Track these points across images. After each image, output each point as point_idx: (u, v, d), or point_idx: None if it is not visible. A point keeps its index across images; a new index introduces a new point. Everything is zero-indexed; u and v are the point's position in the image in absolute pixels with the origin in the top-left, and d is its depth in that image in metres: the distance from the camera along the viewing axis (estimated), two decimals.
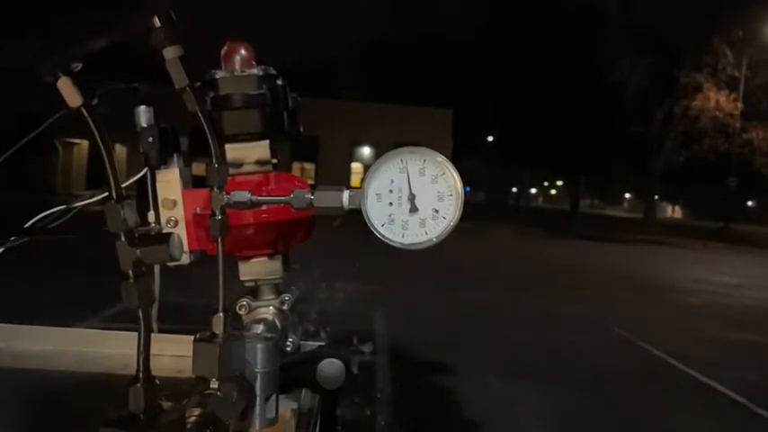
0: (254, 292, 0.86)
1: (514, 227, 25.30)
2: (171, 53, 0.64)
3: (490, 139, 41.19)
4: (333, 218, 0.73)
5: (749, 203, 55.10)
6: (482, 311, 7.53)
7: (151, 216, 0.83)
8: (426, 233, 0.66)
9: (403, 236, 0.66)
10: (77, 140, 27.22)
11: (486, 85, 34.63)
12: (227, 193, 0.67)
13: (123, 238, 0.49)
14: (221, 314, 0.63)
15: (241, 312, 0.83)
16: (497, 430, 4.11)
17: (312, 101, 23.95)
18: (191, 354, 0.61)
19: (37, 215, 0.80)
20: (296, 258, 0.92)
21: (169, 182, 0.83)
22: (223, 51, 0.83)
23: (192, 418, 0.56)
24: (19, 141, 0.77)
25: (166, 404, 0.53)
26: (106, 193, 0.49)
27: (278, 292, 0.86)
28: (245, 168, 0.84)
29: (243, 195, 0.69)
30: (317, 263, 6.02)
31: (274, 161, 0.85)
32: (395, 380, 4.72)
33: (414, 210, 0.66)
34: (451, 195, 0.66)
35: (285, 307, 0.85)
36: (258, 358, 0.70)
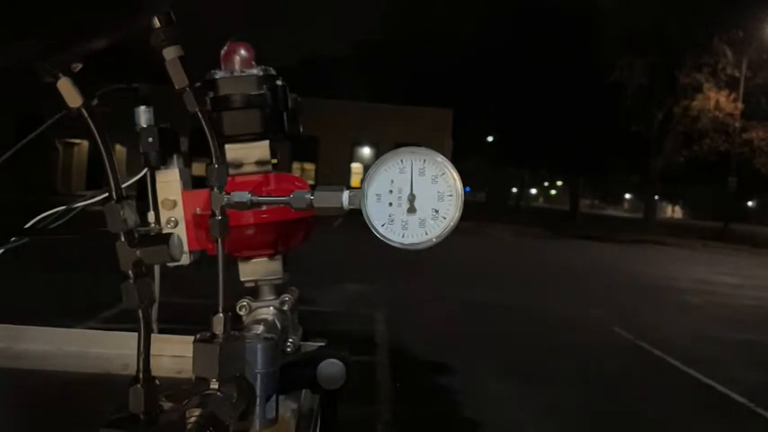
0: (254, 292, 0.86)
1: (515, 227, 25.31)
2: (171, 53, 0.64)
3: (490, 139, 41.08)
4: (333, 217, 0.73)
5: (749, 203, 55.13)
6: (483, 310, 7.53)
7: (151, 216, 0.83)
8: (426, 233, 0.66)
9: (403, 236, 0.66)
10: (77, 140, 27.24)
11: (486, 85, 34.58)
12: (227, 194, 0.67)
13: (123, 239, 0.49)
14: (221, 314, 0.63)
15: (241, 313, 0.83)
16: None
17: (312, 101, 23.97)
18: (191, 354, 0.61)
19: (37, 215, 0.80)
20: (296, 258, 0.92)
21: (169, 182, 0.83)
22: (223, 51, 0.83)
23: (192, 419, 0.56)
24: (19, 141, 0.77)
25: (166, 405, 0.53)
26: (106, 194, 0.49)
27: (278, 292, 0.86)
28: (245, 169, 0.84)
29: (243, 196, 0.69)
30: (315, 260, 6.00)
31: (274, 161, 0.85)
32: (393, 377, 4.73)
33: (413, 210, 0.66)
34: (451, 195, 0.66)
35: (285, 307, 0.85)
36: (258, 359, 0.70)
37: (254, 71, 0.83)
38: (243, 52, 0.83)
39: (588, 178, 39.05)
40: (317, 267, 7.59)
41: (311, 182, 0.82)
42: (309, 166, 32.87)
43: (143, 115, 0.79)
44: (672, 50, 26.74)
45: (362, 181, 0.67)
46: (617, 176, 38.89)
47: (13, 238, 0.75)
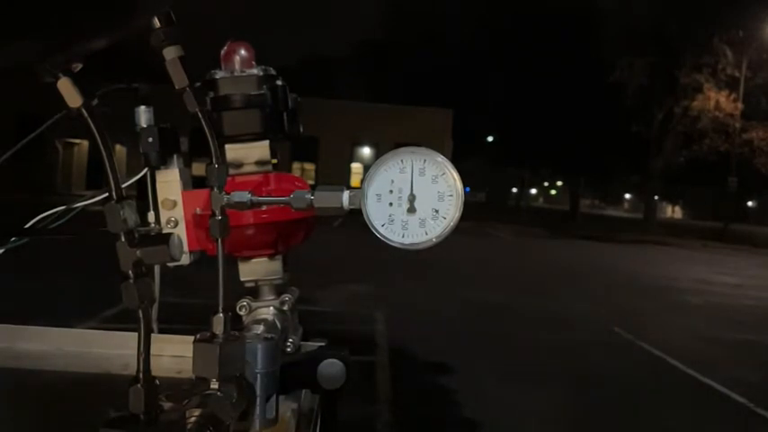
0: (254, 292, 0.86)
1: (515, 227, 25.31)
2: (171, 53, 0.64)
3: (490, 139, 41.08)
4: (333, 217, 0.73)
5: (749, 203, 55.11)
6: (482, 310, 7.53)
7: (151, 216, 0.83)
8: (426, 233, 0.66)
9: (403, 236, 0.66)
10: (77, 140, 27.25)
11: (487, 86, 34.62)
12: (227, 194, 0.67)
13: (123, 239, 0.49)
14: (221, 314, 0.63)
15: (241, 313, 0.83)
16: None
17: (312, 101, 23.98)
18: (191, 354, 0.61)
19: (37, 215, 0.80)
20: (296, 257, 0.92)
21: (169, 182, 0.83)
22: (223, 51, 0.83)
23: (192, 419, 0.56)
24: (19, 141, 0.77)
25: (166, 404, 0.53)
26: (106, 194, 0.49)
27: (278, 292, 0.86)
28: (245, 169, 0.84)
29: (243, 196, 0.69)
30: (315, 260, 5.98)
31: (274, 161, 0.85)
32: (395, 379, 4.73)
33: (414, 210, 0.66)
34: (452, 195, 0.66)
35: (285, 307, 0.85)
36: (258, 359, 0.70)
37: (254, 71, 0.83)
38: (243, 52, 0.83)
39: (588, 178, 39.04)
40: (317, 267, 7.59)
41: (311, 182, 0.82)
42: (309, 166, 32.87)
43: (143, 115, 0.79)
44: (672, 50, 26.74)
45: (362, 181, 0.67)
46: (617, 176, 38.90)
47: (13, 238, 0.75)
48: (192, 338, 0.62)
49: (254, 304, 0.84)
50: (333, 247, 10.16)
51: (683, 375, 5.54)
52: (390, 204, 0.66)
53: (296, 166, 31.47)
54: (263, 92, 0.82)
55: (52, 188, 24.44)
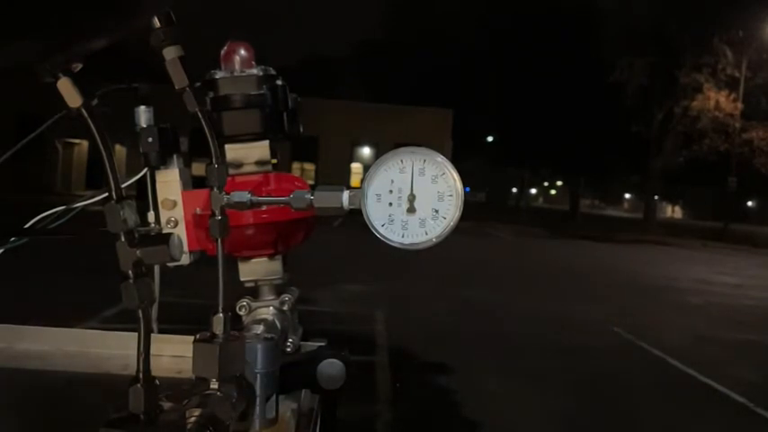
0: (254, 292, 0.86)
1: (515, 227, 25.31)
2: (171, 53, 0.64)
3: (490, 139, 41.06)
4: (333, 217, 0.73)
5: (749, 203, 55.11)
6: (482, 310, 7.53)
7: (151, 216, 0.83)
8: (426, 233, 0.66)
9: (403, 236, 0.66)
10: (77, 140, 27.25)
11: (487, 85, 34.63)
12: (227, 194, 0.67)
13: (123, 239, 0.49)
14: (221, 314, 0.63)
15: (241, 313, 0.83)
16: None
17: (312, 101, 23.98)
18: (190, 354, 0.61)
19: (37, 215, 0.80)
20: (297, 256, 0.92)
21: (169, 182, 0.83)
22: (223, 51, 0.83)
23: (192, 419, 0.56)
24: (19, 141, 0.77)
25: (166, 404, 0.53)
26: (106, 194, 0.49)
27: (278, 292, 0.86)
28: (245, 169, 0.84)
29: (243, 196, 0.69)
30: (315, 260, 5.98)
31: (274, 161, 0.85)
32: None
33: (413, 210, 0.66)
34: (451, 195, 0.66)
35: (285, 307, 0.85)
36: (258, 359, 0.70)
37: (254, 71, 0.83)
38: (243, 52, 0.83)
39: (588, 178, 39.05)
40: (317, 267, 7.59)
41: (311, 182, 0.82)
42: (309, 166, 32.87)
43: (143, 115, 0.79)
44: (672, 50, 26.74)
45: (362, 181, 0.67)
46: (617, 176, 38.90)
47: (12, 238, 0.75)
48: (191, 338, 0.62)
49: (254, 304, 0.84)
50: (333, 247, 10.16)
51: (682, 375, 5.54)
52: (390, 204, 0.66)
53: (296, 166, 31.47)
54: (262, 92, 0.82)
55: (52, 188, 24.45)
